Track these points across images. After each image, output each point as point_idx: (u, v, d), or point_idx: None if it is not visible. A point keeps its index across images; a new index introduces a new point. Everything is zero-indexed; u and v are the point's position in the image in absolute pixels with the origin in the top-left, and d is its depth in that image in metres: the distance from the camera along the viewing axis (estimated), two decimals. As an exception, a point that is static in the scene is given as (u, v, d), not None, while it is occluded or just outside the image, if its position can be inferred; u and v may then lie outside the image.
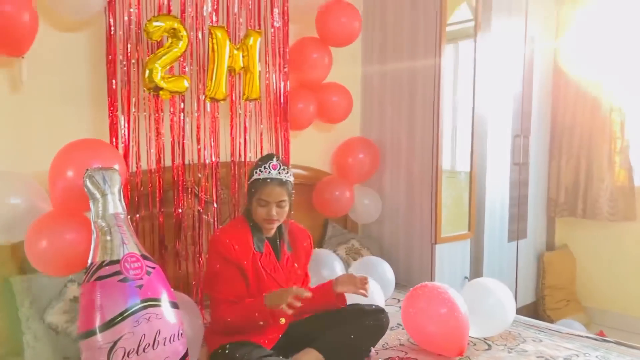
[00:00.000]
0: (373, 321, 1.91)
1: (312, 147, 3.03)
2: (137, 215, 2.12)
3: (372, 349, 1.97)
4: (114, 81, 2.03)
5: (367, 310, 1.95)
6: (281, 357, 1.73)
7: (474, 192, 3.07)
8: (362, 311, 1.94)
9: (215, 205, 2.36)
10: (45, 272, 1.75)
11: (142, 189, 2.13)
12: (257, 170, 1.85)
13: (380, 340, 2.07)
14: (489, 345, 2.07)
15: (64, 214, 1.73)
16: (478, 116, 3.06)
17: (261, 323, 1.75)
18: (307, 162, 2.98)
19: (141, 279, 1.59)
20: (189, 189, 2.28)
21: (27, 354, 1.76)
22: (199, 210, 2.31)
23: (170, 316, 1.61)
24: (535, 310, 3.81)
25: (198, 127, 2.27)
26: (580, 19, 3.64)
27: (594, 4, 3.59)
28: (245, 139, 2.45)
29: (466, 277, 3.09)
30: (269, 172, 1.84)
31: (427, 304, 1.97)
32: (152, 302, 1.58)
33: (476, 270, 3.25)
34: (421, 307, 1.98)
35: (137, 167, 2.10)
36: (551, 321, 3.47)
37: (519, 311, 3.50)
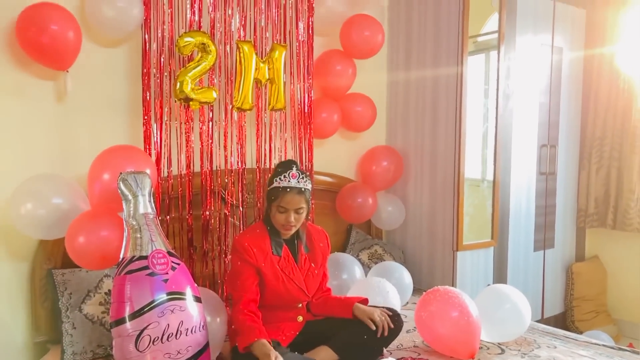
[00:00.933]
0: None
1: (337, 155, 3.13)
2: (168, 217, 2.28)
3: (385, 350, 2.04)
4: (148, 93, 2.20)
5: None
6: (296, 353, 1.83)
7: (497, 201, 3.10)
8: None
9: (241, 209, 2.49)
10: (82, 266, 1.92)
11: (172, 192, 2.28)
12: (278, 179, 1.94)
13: (395, 342, 2.15)
14: (502, 350, 2.11)
15: (100, 213, 1.89)
16: (503, 125, 3.10)
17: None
18: (332, 169, 3.09)
19: (167, 273, 1.73)
20: (217, 193, 2.42)
21: (65, 341, 1.93)
22: (225, 213, 2.44)
23: (193, 309, 1.75)
24: (563, 321, 3.77)
25: (225, 135, 2.41)
26: (612, 28, 3.62)
27: (625, 14, 3.56)
28: (270, 147, 2.58)
29: (489, 285, 3.11)
30: (289, 181, 1.92)
31: (438, 308, 2.03)
32: (176, 295, 1.72)
33: (500, 278, 3.26)
34: (432, 310, 2.04)
35: (168, 172, 2.26)
36: (579, 332, 3.43)
37: (547, 321, 3.50)
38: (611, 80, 3.64)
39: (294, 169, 1.95)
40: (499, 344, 2.18)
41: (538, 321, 3.31)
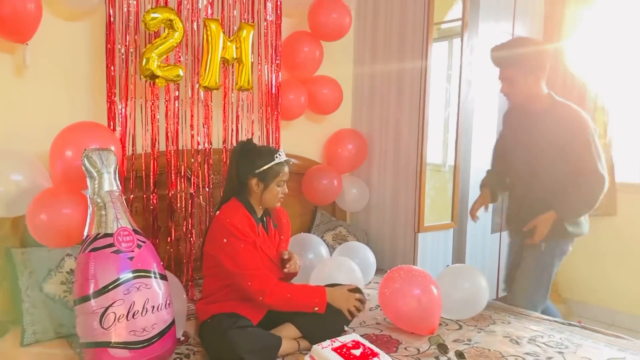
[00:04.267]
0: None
1: (304, 137, 3.15)
2: (132, 196, 2.25)
3: (347, 327, 2.09)
4: (112, 68, 2.16)
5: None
6: (260, 329, 1.86)
7: (457, 185, 3.19)
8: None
9: (207, 189, 2.49)
10: (45, 244, 1.88)
11: (137, 171, 2.25)
12: (277, 155, 2.01)
13: (359, 319, 2.22)
14: (460, 326, 2.20)
15: (63, 191, 1.86)
16: (464, 112, 3.18)
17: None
18: (299, 151, 3.10)
19: (132, 251, 1.72)
20: (183, 173, 2.41)
21: (25, 321, 1.90)
22: (191, 193, 2.43)
23: (158, 287, 1.75)
24: (516, 300, 3.94)
25: (192, 115, 2.39)
26: (569, 18, 3.75)
27: (582, 4, 3.70)
28: (237, 127, 2.58)
29: (448, 265, 3.22)
30: (284, 155, 2.04)
31: (401, 285, 2.10)
32: (142, 273, 1.72)
33: (459, 259, 3.38)
34: (395, 288, 2.11)
35: (132, 151, 2.23)
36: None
37: (502, 300, 3.64)
38: (566, 71, 3.77)
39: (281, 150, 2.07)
40: (457, 320, 2.27)
41: (493, 300, 3.45)
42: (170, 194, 2.37)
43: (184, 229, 2.42)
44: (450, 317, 2.27)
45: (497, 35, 3.42)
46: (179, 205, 2.40)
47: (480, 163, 3.42)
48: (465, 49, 3.08)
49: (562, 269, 3.99)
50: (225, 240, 1.88)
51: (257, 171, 1.97)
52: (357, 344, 1.78)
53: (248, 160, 1.98)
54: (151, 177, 2.30)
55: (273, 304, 1.90)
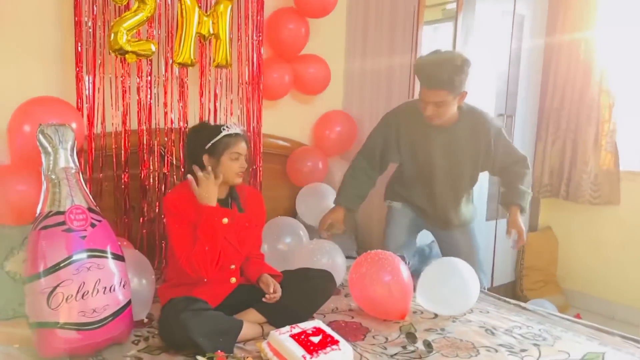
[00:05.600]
0: (316, 285, 1.99)
1: (291, 118, 3.07)
2: (101, 175, 2.20)
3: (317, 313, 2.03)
4: (79, 43, 2.09)
5: (312, 275, 2.01)
6: (220, 313, 1.80)
7: (449, 169, 3.08)
8: (306, 276, 2.01)
9: (182, 168, 2.42)
10: (-1, 221, 1.84)
11: (107, 149, 2.20)
12: (224, 127, 1.91)
13: (331, 305, 2.15)
14: (435, 315, 2.12)
15: (19, 167, 1.81)
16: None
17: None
18: (286, 132, 3.03)
19: (85, 230, 1.66)
20: (156, 152, 2.35)
21: (-16, 298, 1.87)
22: (164, 173, 2.37)
23: (112, 267, 1.69)
24: (513, 289, 3.84)
25: (165, 92, 2.32)
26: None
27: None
28: (215, 106, 2.50)
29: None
30: (235, 128, 1.92)
31: (369, 269, 2.02)
32: (95, 252, 1.66)
33: (450, 246, 3.28)
34: (363, 272, 2.03)
35: (102, 128, 2.17)
36: (526, 301, 3.50)
37: (496, 290, 3.55)
38: (571, 51, 3.61)
39: (231, 121, 1.93)
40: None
41: (488, 289, 3.36)
42: (143, 174, 2.31)
43: (157, 209, 2.36)
44: (442, 313, 2.11)
45: (495, 15, 3.28)
46: (151, 184, 2.34)
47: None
48: (459, 31, 2.95)
49: (562, 258, 3.91)
50: (164, 219, 1.83)
51: (206, 147, 1.89)
52: (317, 331, 1.71)
53: (199, 140, 1.91)
54: (122, 155, 2.24)
55: (198, 268, 1.85)
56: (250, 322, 1.86)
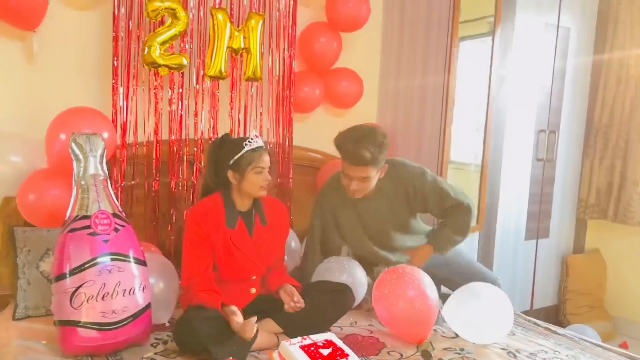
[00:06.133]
0: (334, 299, 1.99)
1: (324, 131, 3.05)
2: (133, 182, 2.30)
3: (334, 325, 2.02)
4: (116, 57, 2.21)
5: (330, 289, 2.02)
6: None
7: (484, 185, 3.00)
8: (324, 289, 2.02)
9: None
10: (33, 223, 1.96)
11: (138, 159, 2.29)
12: (246, 143, 1.94)
13: (350, 319, 2.14)
14: (456, 334, 2.05)
15: (54, 172, 1.92)
16: (496, 109, 2.99)
17: None
18: (317, 145, 3.04)
19: (108, 234, 1.74)
20: (185, 161, 2.42)
21: (19, 296, 1.99)
22: (193, 182, 2.45)
23: (133, 271, 1.76)
24: (555, 313, 3.66)
25: (196, 103, 2.40)
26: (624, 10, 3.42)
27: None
28: (245, 118, 2.56)
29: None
30: (257, 142, 1.95)
31: (394, 288, 1.98)
32: (117, 256, 1.74)
33: (485, 264, 3.17)
34: (388, 290, 1.98)
35: (134, 138, 2.27)
36: (567, 326, 3.33)
37: (536, 313, 3.41)
38: (621, 65, 3.45)
39: (252, 133, 1.98)
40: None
41: (526, 312, 3.22)
42: (172, 182, 2.39)
43: (185, 217, 2.43)
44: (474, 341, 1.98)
45: (538, 27, 3.19)
46: (180, 193, 2.41)
47: (513, 163, 3.21)
48: (496, 47, 2.89)
49: (610, 282, 3.70)
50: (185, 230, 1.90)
51: (230, 163, 1.93)
52: (328, 343, 1.70)
53: (222, 154, 1.95)
54: (153, 164, 2.33)
55: (188, 299, 1.89)
56: (266, 331, 1.88)
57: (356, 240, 2.39)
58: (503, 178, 3.17)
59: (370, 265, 2.41)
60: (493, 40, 2.89)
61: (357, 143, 2.08)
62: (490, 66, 2.90)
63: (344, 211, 2.33)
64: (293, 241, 2.60)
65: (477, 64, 3.00)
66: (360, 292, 2.23)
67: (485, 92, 2.94)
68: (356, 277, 2.29)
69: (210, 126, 2.45)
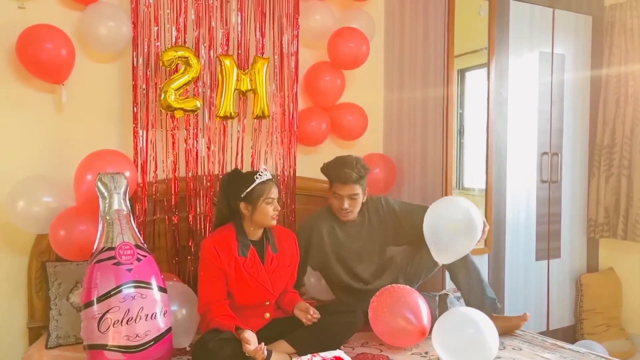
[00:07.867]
0: (342, 320, 2.11)
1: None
2: (155, 217, 2.47)
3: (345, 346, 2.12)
4: (135, 104, 2.42)
5: (338, 311, 2.14)
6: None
7: (490, 208, 3.10)
8: (333, 311, 2.14)
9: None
10: (63, 256, 2.13)
11: (158, 195, 2.47)
12: (257, 176, 2.11)
13: (362, 339, 2.23)
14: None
15: (82, 210, 2.10)
16: (496, 133, 3.12)
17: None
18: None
19: (132, 264, 1.90)
20: (202, 197, 2.59)
21: (51, 326, 2.14)
22: (207, 215, 2.61)
23: (155, 297, 1.91)
24: (572, 334, 3.66)
25: (209, 142, 2.59)
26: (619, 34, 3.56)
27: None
28: (253, 153, 2.73)
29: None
30: (266, 175, 2.12)
31: (391, 304, 2.09)
32: (140, 283, 1.89)
33: (496, 286, 3.23)
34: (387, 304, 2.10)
35: (154, 176, 2.46)
36: (585, 345, 3.34)
37: (553, 334, 3.42)
38: (619, 86, 3.56)
39: (261, 167, 2.16)
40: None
41: (543, 333, 3.25)
42: (190, 216, 2.55)
43: (203, 249, 2.58)
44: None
45: (532, 56, 3.34)
46: (198, 225, 2.57)
47: (517, 186, 3.30)
48: (492, 75, 3.05)
49: (626, 300, 3.69)
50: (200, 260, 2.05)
51: (242, 195, 2.09)
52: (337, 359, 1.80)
53: (234, 188, 2.11)
54: (172, 200, 2.50)
55: (206, 323, 2.02)
56: (280, 352, 1.98)
57: (328, 264, 2.51)
58: (508, 200, 3.26)
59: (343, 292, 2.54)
60: (488, 69, 3.05)
61: (343, 165, 2.40)
62: (488, 93, 3.05)
63: (327, 235, 2.50)
64: (312, 277, 2.72)
65: (482, 93, 3.14)
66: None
67: (484, 121, 3.08)
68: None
69: (221, 162, 2.63)
